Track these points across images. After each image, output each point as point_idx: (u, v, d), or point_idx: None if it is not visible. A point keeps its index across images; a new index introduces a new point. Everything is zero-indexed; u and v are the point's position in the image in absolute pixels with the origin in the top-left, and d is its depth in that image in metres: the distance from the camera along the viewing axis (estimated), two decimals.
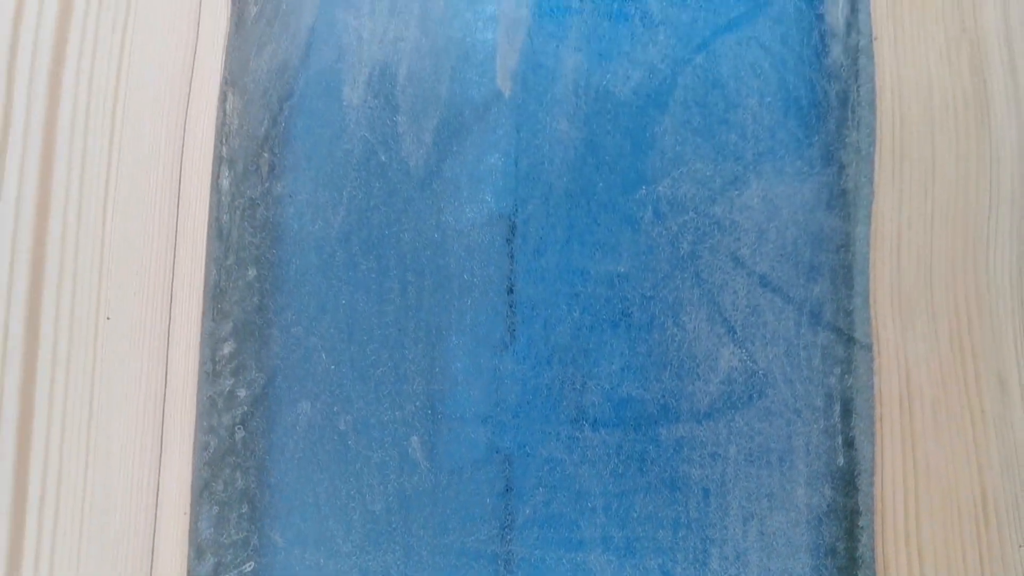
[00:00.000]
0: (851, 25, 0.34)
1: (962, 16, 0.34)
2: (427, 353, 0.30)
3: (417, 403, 0.29)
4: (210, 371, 0.29)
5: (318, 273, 0.30)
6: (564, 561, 0.29)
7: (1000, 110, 0.33)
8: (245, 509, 0.29)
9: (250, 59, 0.31)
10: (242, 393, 0.29)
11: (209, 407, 0.29)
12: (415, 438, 0.29)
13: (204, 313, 0.29)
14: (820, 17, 0.34)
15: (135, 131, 0.29)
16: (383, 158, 0.31)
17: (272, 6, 0.31)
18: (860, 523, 0.30)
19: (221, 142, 0.30)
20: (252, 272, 0.29)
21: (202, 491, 0.29)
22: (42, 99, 0.29)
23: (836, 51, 0.33)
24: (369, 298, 0.30)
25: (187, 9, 0.30)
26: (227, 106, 0.30)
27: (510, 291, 0.30)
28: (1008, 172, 0.33)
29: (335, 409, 0.29)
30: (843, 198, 0.32)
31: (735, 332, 0.31)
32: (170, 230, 0.29)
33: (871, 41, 0.33)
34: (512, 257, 0.31)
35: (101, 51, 0.30)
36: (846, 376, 0.31)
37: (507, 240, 0.31)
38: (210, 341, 0.29)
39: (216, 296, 0.29)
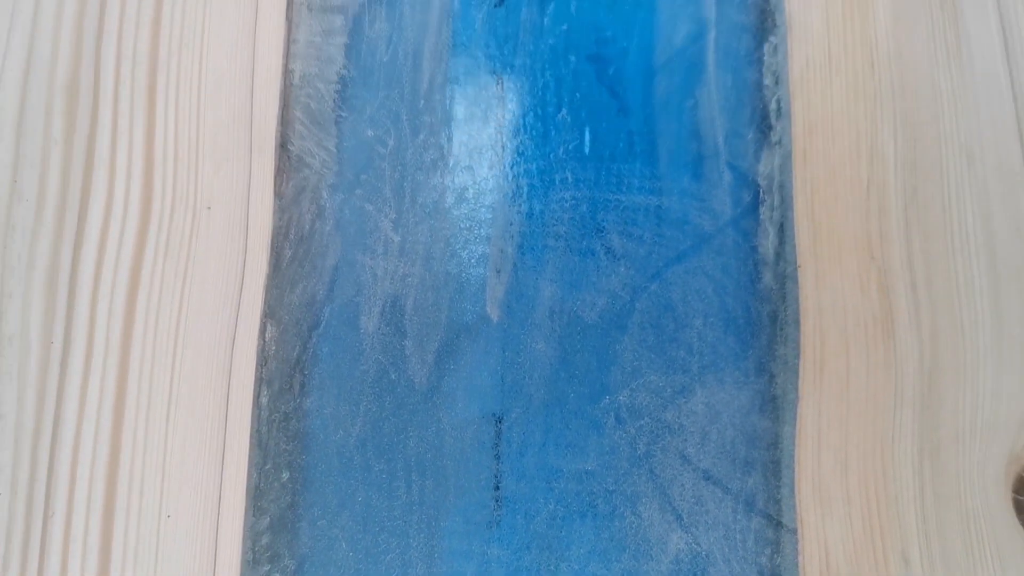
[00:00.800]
0: (779, 255, 0.41)
1: (871, 247, 0.41)
2: (427, 540, 0.36)
3: None
4: (250, 559, 0.35)
5: (339, 475, 0.36)
6: None
7: (903, 327, 0.40)
8: None
9: (285, 295, 0.38)
10: None
11: None
12: None
13: (247, 510, 0.36)
14: (754, 248, 0.41)
15: (192, 368, 0.36)
16: (393, 376, 0.38)
17: (303, 250, 0.38)
18: None
19: (261, 365, 0.37)
20: (285, 475, 0.36)
21: None
22: (118, 331, 0.36)
23: (767, 277, 0.40)
24: (380, 495, 0.36)
25: (235, 258, 0.38)
26: (266, 335, 0.37)
27: (496, 487, 0.37)
28: (910, 380, 0.39)
29: None
30: (773, 403, 0.39)
31: (682, 519, 0.37)
32: (220, 442, 0.36)
33: (796, 269, 0.41)
34: (498, 458, 0.37)
35: (166, 296, 0.37)
36: (775, 556, 0.37)
37: (494, 443, 0.38)
38: (251, 534, 0.36)
39: (256, 496, 0.36)
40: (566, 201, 0.41)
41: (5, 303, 0.36)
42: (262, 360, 0.37)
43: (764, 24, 0.44)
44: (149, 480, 0.35)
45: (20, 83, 0.39)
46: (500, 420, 0.38)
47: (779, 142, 0.42)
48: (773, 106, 0.43)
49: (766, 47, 0.44)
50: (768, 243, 0.41)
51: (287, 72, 0.41)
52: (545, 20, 0.44)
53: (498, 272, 0.39)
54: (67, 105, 0.39)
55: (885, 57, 0.43)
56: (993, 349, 0.40)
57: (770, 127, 0.42)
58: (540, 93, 0.42)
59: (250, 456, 0.36)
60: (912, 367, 0.40)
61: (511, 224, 0.40)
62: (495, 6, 0.44)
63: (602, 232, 0.40)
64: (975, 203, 0.42)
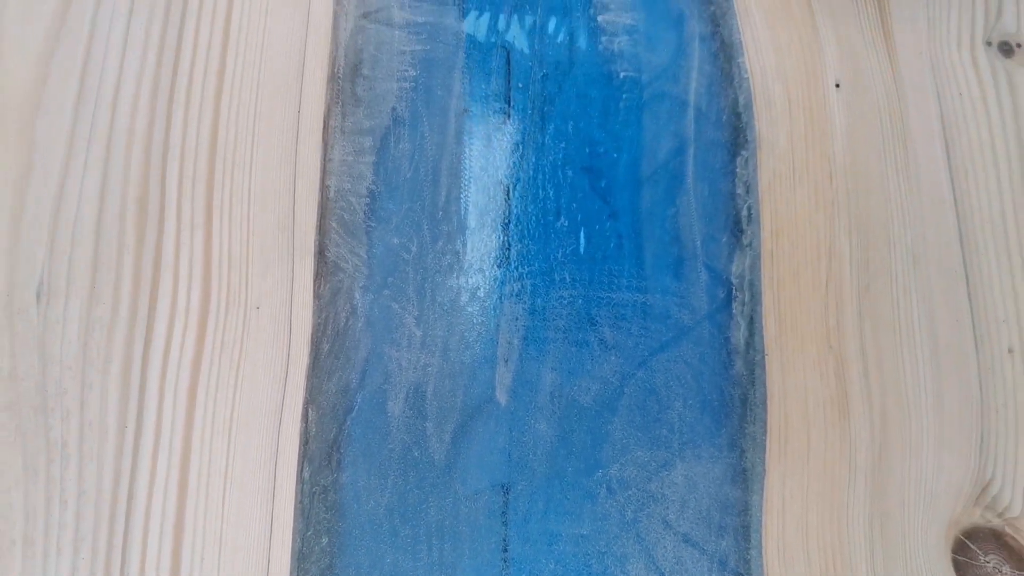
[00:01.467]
0: (749, 345, 0.47)
1: (829, 338, 0.47)
2: None
3: None
4: None
5: (371, 539, 0.43)
6: None
7: (856, 408, 0.46)
8: None
9: (323, 383, 0.44)
10: None
11: None
12: None
13: (291, 571, 0.42)
14: (727, 339, 0.47)
15: (244, 448, 0.42)
16: (416, 454, 0.44)
17: (339, 344, 0.45)
18: None
19: (303, 444, 0.43)
20: (325, 540, 0.42)
21: None
22: (181, 417, 0.43)
23: (738, 364, 0.47)
24: (406, 557, 0.42)
25: (280, 351, 0.44)
26: (308, 418, 0.44)
27: (504, 550, 0.43)
28: (862, 455, 0.45)
29: None
30: (743, 475, 0.45)
31: None
32: (268, 512, 0.42)
33: (763, 357, 0.47)
34: (506, 524, 0.43)
35: (222, 386, 0.43)
36: None
37: (503, 511, 0.44)
38: None
39: (300, 559, 0.42)
40: (564, 298, 0.47)
41: (87, 393, 0.42)
42: (304, 440, 0.43)
43: (737, 140, 0.51)
44: (209, 546, 0.41)
45: (98, 195, 0.46)
46: (508, 491, 0.44)
47: (750, 245, 0.49)
48: (744, 213, 0.49)
49: (738, 161, 0.50)
50: (739, 334, 0.47)
51: (324, 187, 0.47)
52: (546, 138, 0.50)
53: (506, 362, 0.46)
54: (138, 216, 0.45)
55: (842, 170, 0.50)
56: (935, 429, 0.46)
57: (742, 231, 0.49)
58: (541, 202, 0.49)
59: (294, 524, 0.42)
60: (864, 444, 0.46)
61: (516, 319, 0.46)
62: (501, 125, 0.50)
63: (595, 325, 0.47)
64: (920, 299, 0.48)
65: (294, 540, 0.42)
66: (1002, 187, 0.49)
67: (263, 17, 0.50)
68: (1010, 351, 0.47)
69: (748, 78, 0.51)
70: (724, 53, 0.52)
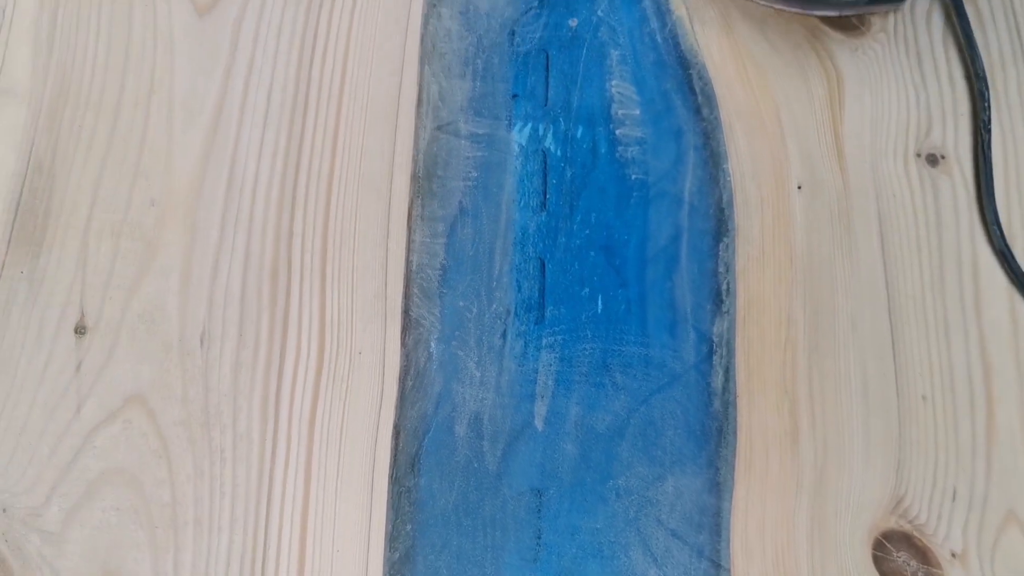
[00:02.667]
0: (725, 388, 0.62)
1: (785, 385, 0.62)
2: (495, 569, 0.58)
3: None
4: (389, 571, 0.57)
5: (441, 527, 0.58)
6: None
7: (804, 439, 0.61)
8: None
9: (407, 411, 0.60)
10: None
11: None
12: None
13: (385, 550, 0.57)
14: (708, 384, 0.62)
15: (350, 461, 0.58)
16: (475, 465, 0.59)
17: (419, 382, 0.60)
18: None
19: (393, 458, 0.59)
20: (408, 527, 0.58)
21: None
22: (305, 439, 0.59)
23: (716, 403, 0.62)
24: (466, 541, 0.58)
25: (376, 387, 0.60)
26: (397, 437, 0.59)
27: (539, 537, 0.59)
28: (807, 475, 0.60)
29: None
30: (718, 487, 0.60)
31: (657, 561, 0.59)
32: (367, 504, 0.57)
33: (736, 398, 0.62)
34: (540, 518, 0.59)
35: (334, 415, 0.59)
36: None
37: (537, 509, 0.59)
38: (388, 564, 0.57)
39: (391, 540, 0.57)
40: (586, 350, 0.62)
41: (237, 414, 0.58)
42: (393, 453, 0.59)
43: (720, 230, 0.66)
44: (326, 527, 0.57)
45: (242, 267, 0.61)
46: (541, 494, 0.59)
47: (727, 312, 0.64)
48: (724, 287, 0.65)
49: (721, 246, 0.66)
50: (718, 381, 0.63)
51: (408, 262, 0.63)
52: (573, 224, 0.66)
53: (542, 397, 0.61)
54: (271, 284, 0.61)
55: (800, 255, 0.65)
56: (863, 456, 0.61)
57: (722, 301, 0.64)
58: (569, 274, 0.65)
59: (386, 514, 0.57)
60: (808, 466, 0.61)
61: (550, 365, 0.62)
62: (539, 213, 0.66)
63: (609, 371, 0.62)
64: (856, 356, 0.63)
65: (386, 526, 0.57)
66: (923, 271, 0.65)
67: (362, 129, 0.66)
68: (923, 398, 0.62)
69: (730, 180, 0.67)
70: (712, 160, 0.68)
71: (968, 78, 0.69)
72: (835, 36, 0.72)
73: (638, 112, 0.68)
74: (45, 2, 0.67)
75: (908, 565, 0.57)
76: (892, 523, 0.58)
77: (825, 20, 0.72)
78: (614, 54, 0.70)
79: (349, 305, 0.58)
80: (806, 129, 0.68)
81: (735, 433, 0.60)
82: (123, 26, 0.67)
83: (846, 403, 0.61)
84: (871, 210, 0.66)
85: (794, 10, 0.67)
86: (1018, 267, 0.63)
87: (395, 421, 0.58)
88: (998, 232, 0.64)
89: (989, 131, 0.67)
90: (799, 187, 0.66)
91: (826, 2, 0.65)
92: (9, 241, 0.62)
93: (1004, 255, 0.64)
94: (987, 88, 0.67)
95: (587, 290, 0.63)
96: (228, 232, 0.61)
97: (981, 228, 0.65)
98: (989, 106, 0.67)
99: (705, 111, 0.69)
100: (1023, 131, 0.68)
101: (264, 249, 0.58)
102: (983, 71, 0.68)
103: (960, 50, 0.71)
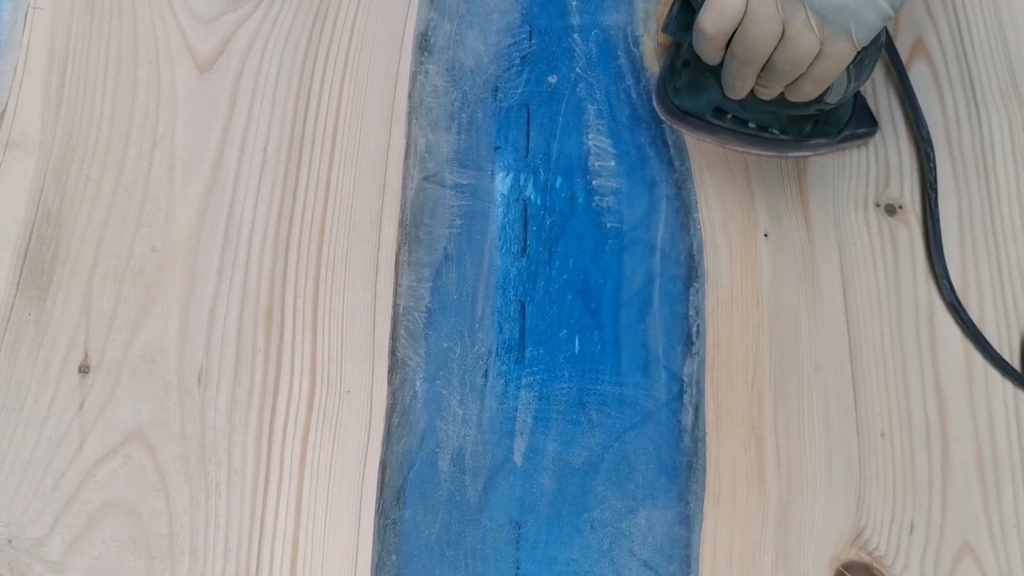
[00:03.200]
0: (695, 426, 0.66)
1: (752, 422, 0.66)
2: None
3: None
4: None
5: (425, 557, 0.61)
6: None
7: (769, 474, 0.65)
8: None
9: (393, 447, 0.63)
10: None
11: None
12: None
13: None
14: (679, 421, 0.66)
15: (339, 491, 0.61)
16: (457, 498, 0.63)
17: (404, 419, 0.64)
18: None
19: (379, 490, 0.62)
20: (393, 557, 0.61)
21: None
22: (296, 470, 0.62)
23: (687, 440, 0.65)
24: (448, 570, 0.61)
25: (364, 423, 0.63)
26: (383, 471, 0.62)
27: (517, 568, 0.62)
28: (772, 508, 0.64)
29: None
30: (687, 519, 0.63)
31: None
32: (355, 535, 0.61)
33: (705, 435, 0.66)
34: (519, 549, 0.62)
35: (324, 448, 0.62)
36: None
37: (516, 541, 0.62)
38: None
39: (376, 570, 0.60)
40: (563, 389, 0.66)
41: (232, 449, 0.61)
42: (380, 487, 0.62)
43: (690, 275, 0.70)
44: (315, 557, 0.60)
45: (238, 311, 0.65)
46: (520, 526, 0.62)
47: (697, 353, 0.68)
48: (694, 329, 0.68)
49: (691, 290, 0.70)
50: (688, 418, 0.66)
51: (395, 305, 0.67)
52: (552, 269, 0.70)
53: (521, 434, 0.65)
54: (265, 326, 0.65)
55: (766, 300, 0.69)
56: (825, 490, 0.64)
57: (692, 343, 0.68)
58: (548, 316, 0.68)
59: (372, 545, 0.61)
60: (774, 500, 0.64)
61: (529, 403, 0.65)
62: (519, 258, 0.70)
63: (585, 409, 0.66)
64: (819, 396, 0.67)
65: (372, 556, 0.60)
66: (882, 316, 0.69)
67: (353, 180, 0.70)
68: (882, 435, 0.65)
69: (701, 229, 0.71)
70: (684, 209, 0.72)
71: (915, 141, 0.74)
72: None
73: (613, 164, 0.73)
74: (55, 60, 0.71)
75: None
76: (853, 554, 0.62)
77: None
78: (591, 109, 0.75)
79: (339, 346, 0.62)
80: (772, 181, 0.72)
81: (704, 468, 0.63)
82: (128, 84, 0.72)
83: (809, 440, 0.64)
84: (834, 258, 0.70)
85: (771, 154, 0.72)
86: (968, 318, 0.68)
87: (382, 456, 0.61)
88: (948, 286, 0.68)
89: (935, 190, 0.71)
90: (766, 235, 0.70)
91: (801, 145, 0.69)
92: (18, 285, 0.65)
93: (955, 308, 0.68)
94: (932, 150, 0.72)
95: (565, 332, 0.67)
96: (225, 277, 0.65)
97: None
98: (935, 167, 0.72)
99: (677, 163, 0.73)
100: (976, 182, 0.73)
101: (259, 293, 0.62)
102: (927, 134, 0.73)
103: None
